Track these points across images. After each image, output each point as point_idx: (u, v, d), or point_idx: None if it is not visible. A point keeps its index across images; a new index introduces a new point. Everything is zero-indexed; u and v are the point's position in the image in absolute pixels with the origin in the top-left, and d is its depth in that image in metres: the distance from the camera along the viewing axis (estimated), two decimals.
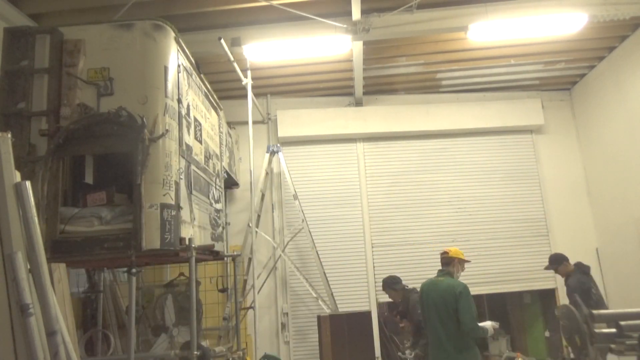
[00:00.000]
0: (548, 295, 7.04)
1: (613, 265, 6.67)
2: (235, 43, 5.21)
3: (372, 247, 6.88)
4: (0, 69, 3.25)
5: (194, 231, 3.68)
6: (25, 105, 3.17)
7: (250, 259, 6.03)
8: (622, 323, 2.97)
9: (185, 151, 3.59)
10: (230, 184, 6.43)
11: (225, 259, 5.57)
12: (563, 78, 7.26)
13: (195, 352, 3.37)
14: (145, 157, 3.11)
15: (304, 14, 5.00)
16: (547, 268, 5.57)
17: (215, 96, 4.89)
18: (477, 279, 6.70)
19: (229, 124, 6.26)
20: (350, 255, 6.85)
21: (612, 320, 3.06)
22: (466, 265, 4.53)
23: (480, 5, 5.24)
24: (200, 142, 4.13)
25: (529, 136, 7.34)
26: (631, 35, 6.05)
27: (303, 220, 6.36)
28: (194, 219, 3.72)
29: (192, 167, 3.77)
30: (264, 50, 5.37)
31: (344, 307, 6.33)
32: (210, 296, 5.53)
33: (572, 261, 5.48)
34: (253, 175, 5.40)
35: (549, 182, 7.19)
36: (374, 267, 6.80)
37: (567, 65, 6.84)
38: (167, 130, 3.24)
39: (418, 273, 6.70)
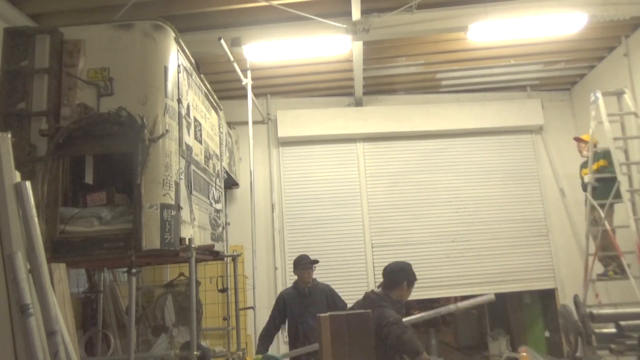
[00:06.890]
0: (548, 295, 7.03)
1: None
2: (235, 43, 5.22)
3: (372, 247, 6.88)
4: (0, 69, 3.25)
5: (194, 231, 3.68)
6: (25, 105, 3.16)
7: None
8: (622, 323, 2.97)
9: (185, 151, 3.59)
10: (230, 184, 6.43)
11: (225, 259, 5.56)
12: (563, 78, 7.26)
13: (195, 352, 3.36)
14: (145, 157, 3.10)
15: (304, 14, 5.00)
16: None
17: (215, 96, 4.88)
18: (477, 279, 6.70)
19: (229, 124, 6.26)
20: (350, 255, 6.84)
21: (612, 320, 3.06)
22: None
23: (480, 5, 5.24)
24: (200, 142, 4.12)
25: (529, 136, 7.33)
26: (631, 35, 6.05)
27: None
28: (194, 219, 3.72)
29: (192, 167, 3.76)
30: (264, 50, 5.38)
31: None
32: (210, 296, 5.53)
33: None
34: (253, 175, 5.40)
35: (549, 182, 7.19)
36: (374, 267, 6.79)
37: (567, 65, 6.84)
38: (167, 131, 3.24)
39: (418, 273, 6.68)
